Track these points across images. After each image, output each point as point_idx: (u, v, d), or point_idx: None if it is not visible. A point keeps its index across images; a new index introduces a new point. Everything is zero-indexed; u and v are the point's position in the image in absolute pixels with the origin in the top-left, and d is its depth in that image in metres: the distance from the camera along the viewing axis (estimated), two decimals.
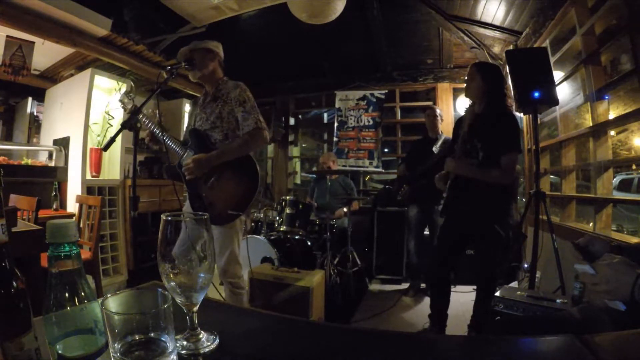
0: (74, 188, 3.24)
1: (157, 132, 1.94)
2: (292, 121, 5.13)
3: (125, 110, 2.04)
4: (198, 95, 4.34)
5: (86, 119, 3.23)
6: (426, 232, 3.28)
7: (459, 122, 2.25)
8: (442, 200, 3.09)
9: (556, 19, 2.60)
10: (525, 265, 2.75)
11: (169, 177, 2.02)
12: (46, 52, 3.05)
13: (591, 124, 2.25)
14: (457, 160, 1.98)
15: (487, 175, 1.89)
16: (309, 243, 3.18)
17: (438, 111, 3.28)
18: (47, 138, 3.61)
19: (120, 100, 2.06)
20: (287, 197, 3.38)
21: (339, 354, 0.56)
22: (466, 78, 2.09)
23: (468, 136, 1.98)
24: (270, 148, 5.20)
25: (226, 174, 1.85)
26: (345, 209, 3.54)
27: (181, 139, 2.12)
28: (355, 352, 0.57)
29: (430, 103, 4.33)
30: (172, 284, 0.53)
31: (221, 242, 1.84)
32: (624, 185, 6.37)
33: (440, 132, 3.24)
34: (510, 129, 1.91)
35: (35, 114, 3.75)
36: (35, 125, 3.75)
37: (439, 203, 3.06)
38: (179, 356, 0.49)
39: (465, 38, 3.49)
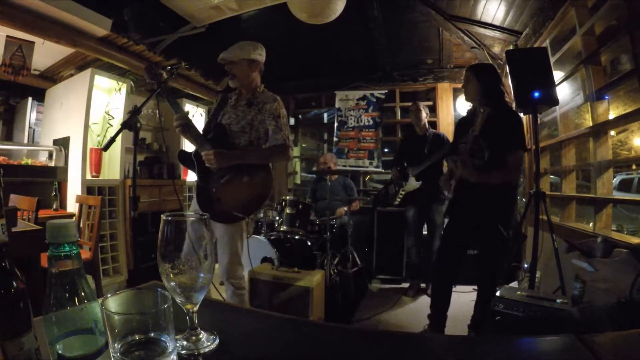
0: (74, 188, 3.24)
1: (186, 117, 1.90)
2: (292, 121, 5.13)
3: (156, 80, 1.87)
4: (198, 95, 4.39)
5: (86, 119, 3.22)
6: (425, 232, 3.28)
7: (460, 123, 2.25)
8: (438, 199, 3.08)
9: (556, 19, 2.60)
10: (525, 265, 2.75)
11: (180, 161, 2.01)
12: (46, 52, 3.05)
13: (591, 124, 2.25)
14: (467, 167, 1.97)
15: (495, 178, 1.88)
16: (309, 243, 3.18)
17: (422, 105, 3.22)
18: (47, 138, 3.61)
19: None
20: (287, 197, 3.38)
21: (339, 354, 0.56)
22: (463, 82, 2.11)
23: (474, 137, 1.97)
24: None
25: (241, 176, 1.85)
26: (345, 209, 3.54)
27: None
28: (355, 352, 0.57)
29: (430, 103, 4.33)
30: (172, 284, 0.53)
31: (224, 242, 1.85)
32: (624, 185, 6.37)
33: (427, 128, 3.20)
34: (514, 127, 1.91)
35: (33, 121, 3.72)
36: (34, 129, 3.74)
37: (435, 202, 3.06)
38: (179, 356, 0.49)
39: (465, 38, 3.49)
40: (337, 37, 3.70)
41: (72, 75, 3.48)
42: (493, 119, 1.92)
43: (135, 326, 0.39)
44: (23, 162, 3.18)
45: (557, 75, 2.61)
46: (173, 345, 0.40)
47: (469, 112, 2.18)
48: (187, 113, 1.98)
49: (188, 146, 2.42)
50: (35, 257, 1.70)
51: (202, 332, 0.55)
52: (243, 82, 1.96)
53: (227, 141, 1.90)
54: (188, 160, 1.93)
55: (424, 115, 3.18)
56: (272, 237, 3.04)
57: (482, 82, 1.98)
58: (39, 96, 3.72)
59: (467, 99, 2.13)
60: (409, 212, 3.22)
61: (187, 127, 1.88)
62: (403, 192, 3.15)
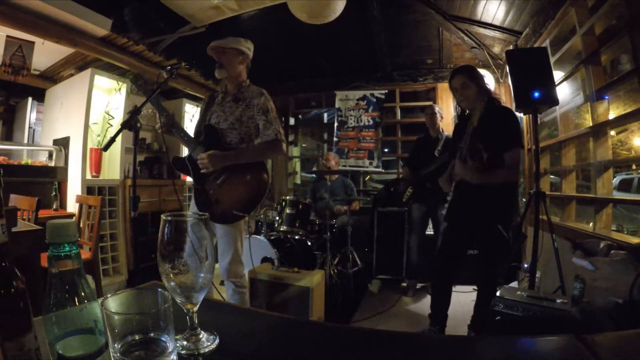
0: (74, 188, 3.24)
1: (171, 120, 1.93)
2: (292, 121, 5.13)
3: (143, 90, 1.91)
4: (198, 95, 4.39)
5: (86, 119, 3.22)
6: (428, 232, 3.28)
7: (456, 127, 2.24)
8: (445, 198, 3.08)
9: (556, 19, 2.60)
10: (525, 265, 2.74)
11: (175, 168, 2.03)
12: (46, 52, 3.05)
13: (591, 124, 2.25)
14: (466, 166, 1.94)
15: (495, 177, 1.87)
16: (309, 243, 3.18)
17: (437, 109, 3.25)
18: (47, 138, 3.61)
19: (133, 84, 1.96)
20: (287, 197, 3.38)
21: (339, 354, 0.56)
22: (457, 89, 2.01)
23: (471, 139, 1.97)
24: None
25: (237, 175, 1.85)
26: (345, 207, 3.54)
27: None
28: (355, 352, 0.57)
29: (430, 103, 4.33)
30: (172, 284, 0.53)
31: (225, 241, 1.85)
32: (624, 185, 6.36)
33: (441, 131, 3.23)
34: (510, 125, 1.91)
35: (33, 121, 3.73)
36: (34, 129, 3.74)
37: (443, 201, 3.06)
38: (179, 356, 0.49)
39: (465, 38, 3.49)
40: (337, 37, 3.70)
41: (72, 75, 3.48)
42: (487, 119, 1.91)
43: (135, 326, 0.39)
44: (23, 162, 3.18)
45: (557, 75, 2.61)
46: (173, 345, 0.40)
47: (461, 116, 2.15)
48: (173, 115, 1.99)
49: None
50: (35, 257, 1.70)
51: (202, 332, 0.55)
52: (230, 72, 1.94)
53: (218, 141, 1.90)
54: (182, 165, 1.94)
55: (439, 118, 3.21)
56: (272, 237, 3.04)
57: (479, 84, 1.98)
58: (39, 96, 3.72)
59: (465, 105, 2.05)
60: (414, 210, 3.23)
61: (173, 130, 1.90)
62: (411, 190, 3.17)
